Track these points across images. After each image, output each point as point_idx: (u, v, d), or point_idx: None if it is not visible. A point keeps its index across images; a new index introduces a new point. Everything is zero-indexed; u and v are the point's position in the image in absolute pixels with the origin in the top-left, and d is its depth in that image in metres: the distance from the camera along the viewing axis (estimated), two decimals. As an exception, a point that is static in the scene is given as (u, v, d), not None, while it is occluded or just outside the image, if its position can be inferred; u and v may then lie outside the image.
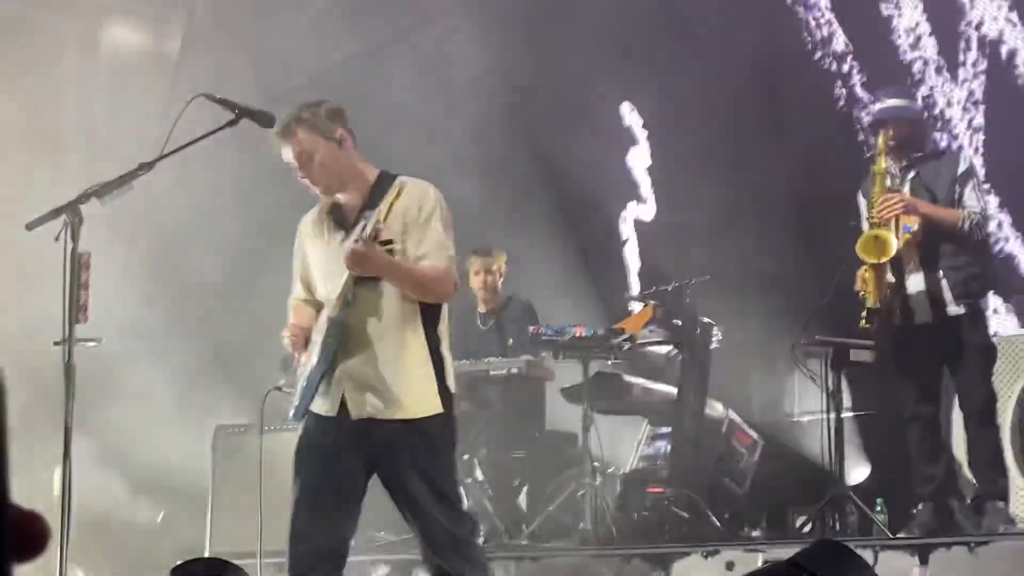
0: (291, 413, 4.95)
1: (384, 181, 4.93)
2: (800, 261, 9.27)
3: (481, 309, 8.88)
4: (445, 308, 4.99)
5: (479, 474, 8.38)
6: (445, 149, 9.95)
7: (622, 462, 8.79)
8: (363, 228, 4.63)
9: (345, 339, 4.77)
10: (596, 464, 7.80)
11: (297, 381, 4.93)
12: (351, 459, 4.82)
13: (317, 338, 4.83)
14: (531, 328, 8.08)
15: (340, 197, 4.99)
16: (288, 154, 4.90)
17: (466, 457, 8.16)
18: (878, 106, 7.23)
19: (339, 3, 10.08)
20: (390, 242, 4.76)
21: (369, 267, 4.69)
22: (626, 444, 8.90)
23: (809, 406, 8.94)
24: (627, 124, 10.66)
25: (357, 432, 4.80)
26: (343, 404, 4.81)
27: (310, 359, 4.84)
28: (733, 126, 10.01)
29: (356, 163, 4.97)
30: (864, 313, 6.95)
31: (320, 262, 5.00)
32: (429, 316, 4.89)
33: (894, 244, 6.78)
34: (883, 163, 6.98)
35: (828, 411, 7.72)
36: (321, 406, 4.86)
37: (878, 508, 7.70)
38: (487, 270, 8.76)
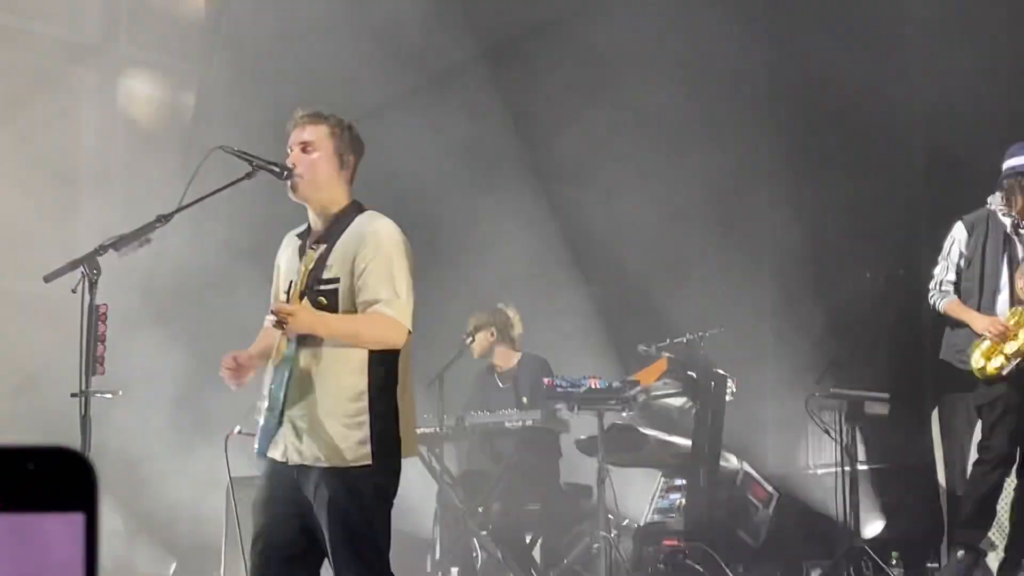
0: (256, 451, 4.91)
1: (349, 212, 4.85)
2: (814, 314, 9.28)
3: (499, 370, 8.83)
4: (404, 354, 4.77)
5: (493, 527, 8.35)
6: (458, 200, 10.00)
7: (637, 515, 8.76)
8: (290, 286, 4.53)
9: (291, 385, 4.67)
10: (611, 517, 7.77)
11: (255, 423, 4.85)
12: (296, 512, 4.69)
13: (269, 379, 4.75)
14: (546, 380, 8.05)
15: (310, 215, 4.92)
16: (297, 136, 4.87)
17: (480, 509, 8.14)
18: (1010, 163, 7.18)
19: (362, 55, 10.16)
20: (336, 280, 4.64)
21: (296, 327, 4.55)
22: (641, 497, 8.87)
23: (824, 459, 8.94)
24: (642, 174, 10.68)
25: (296, 477, 4.67)
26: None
27: (263, 402, 4.76)
28: (750, 178, 10.05)
29: (341, 190, 4.88)
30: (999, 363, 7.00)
31: (283, 282, 4.92)
32: (378, 362, 4.70)
33: None
34: None
35: (843, 464, 7.72)
36: (273, 451, 4.75)
37: (893, 561, 7.68)
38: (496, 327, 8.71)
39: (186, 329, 9.55)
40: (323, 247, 4.78)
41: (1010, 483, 7.32)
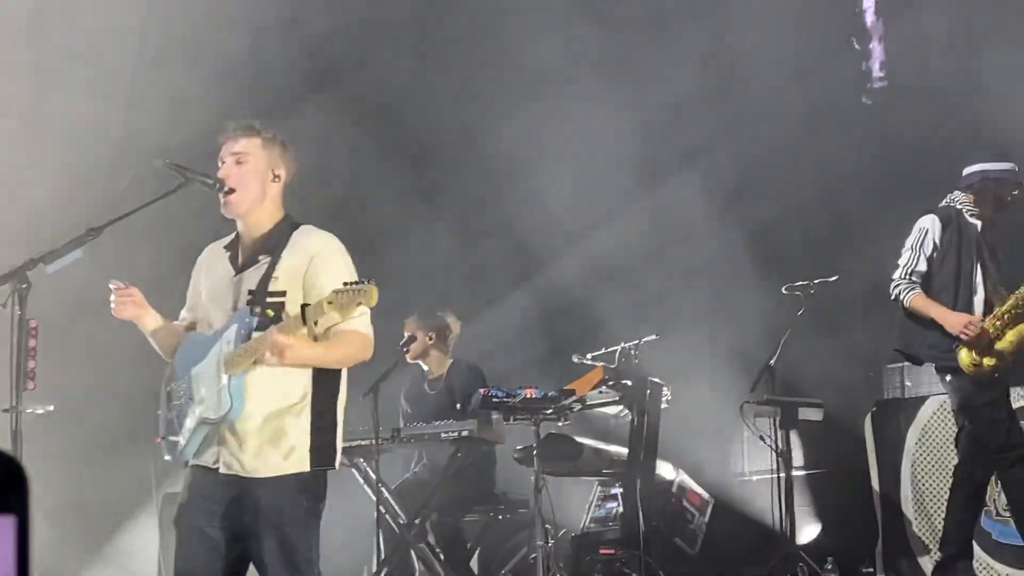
0: (170, 457, 4.86)
1: (284, 227, 4.87)
2: (748, 321, 9.34)
3: (430, 375, 8.84)
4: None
5: (431, 538, 8.34)
6: (392, 208, 9.99)
7: (574, 524, 8.77)
8: (284, 318, 4.53)
9: (236, 395, 4.65)
10: (548, 526, 7.76)
11: (177, 426, 4.82)
12: (224, 523, 4.66)
13: (206, 381, 4.72)
14: (481, 390, 8.04)
15: (240, 227, 4.93)
16: (229, 147, 4.87)
17: (418, 521, 8.12)
18: (982, 167, 7.17)
19: (294, 62, 10.14)
20: (283, 294, 4.64)
21: (291, 359, 4.54)
22: (578, 506, 8.89)
23: (759, 465, 8.99)
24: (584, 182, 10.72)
25: (228, 487, 4.66)
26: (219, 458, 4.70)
27: (196, 407, 4.74)
28: (687, 187, 10.11)
29: (272, 202, 4.90)
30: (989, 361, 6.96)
31: (209, 291, 4.92)
32: (326, 376, 4.75)
33: None
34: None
35: (778, 470, 7.76)
36: (202, 457, 4.74)
37: (828, 566, 7.74)
38: (435, 332, 8.73)
39: (119, 339, 9.46)
40: (267, 260, 4.78)
41: (945, 485, 7.37)
